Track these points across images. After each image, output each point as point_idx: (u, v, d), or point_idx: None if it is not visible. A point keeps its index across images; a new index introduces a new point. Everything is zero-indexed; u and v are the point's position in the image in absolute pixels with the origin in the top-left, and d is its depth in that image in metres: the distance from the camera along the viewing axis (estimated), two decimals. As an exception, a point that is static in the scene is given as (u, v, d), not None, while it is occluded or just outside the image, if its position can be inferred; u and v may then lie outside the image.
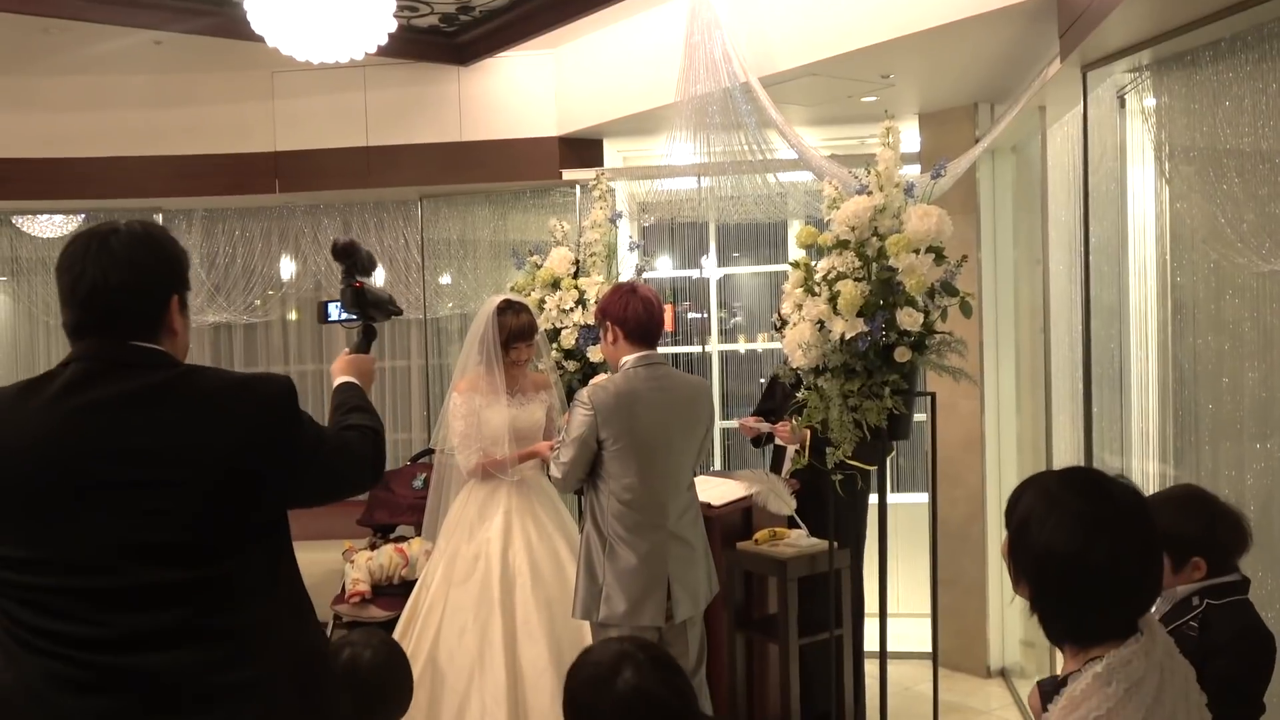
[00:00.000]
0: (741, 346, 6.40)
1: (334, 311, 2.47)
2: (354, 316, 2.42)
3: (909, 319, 3.32)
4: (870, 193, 3.45)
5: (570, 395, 4.08)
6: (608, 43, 5.44)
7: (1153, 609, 1.62)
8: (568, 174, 5.84)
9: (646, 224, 6.02)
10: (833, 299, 3.37)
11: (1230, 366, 3.28)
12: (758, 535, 3.97)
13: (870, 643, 4.27)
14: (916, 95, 5.00)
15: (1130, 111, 3.75)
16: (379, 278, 6.46)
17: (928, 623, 3.98)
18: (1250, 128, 3.09)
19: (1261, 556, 3.03)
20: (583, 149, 5.86)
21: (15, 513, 1.69)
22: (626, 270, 4.95)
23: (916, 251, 3.33)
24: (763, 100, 4.43)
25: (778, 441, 4.43)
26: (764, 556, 3.87)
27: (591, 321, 4.52)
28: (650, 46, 5.11)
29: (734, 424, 5.10)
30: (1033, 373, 5.05)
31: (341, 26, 3.91)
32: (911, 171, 4.38)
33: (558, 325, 4.73)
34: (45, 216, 6.46)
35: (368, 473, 2.02)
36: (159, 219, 6.41)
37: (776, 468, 4.47)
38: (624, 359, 3.39)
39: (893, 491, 5.60)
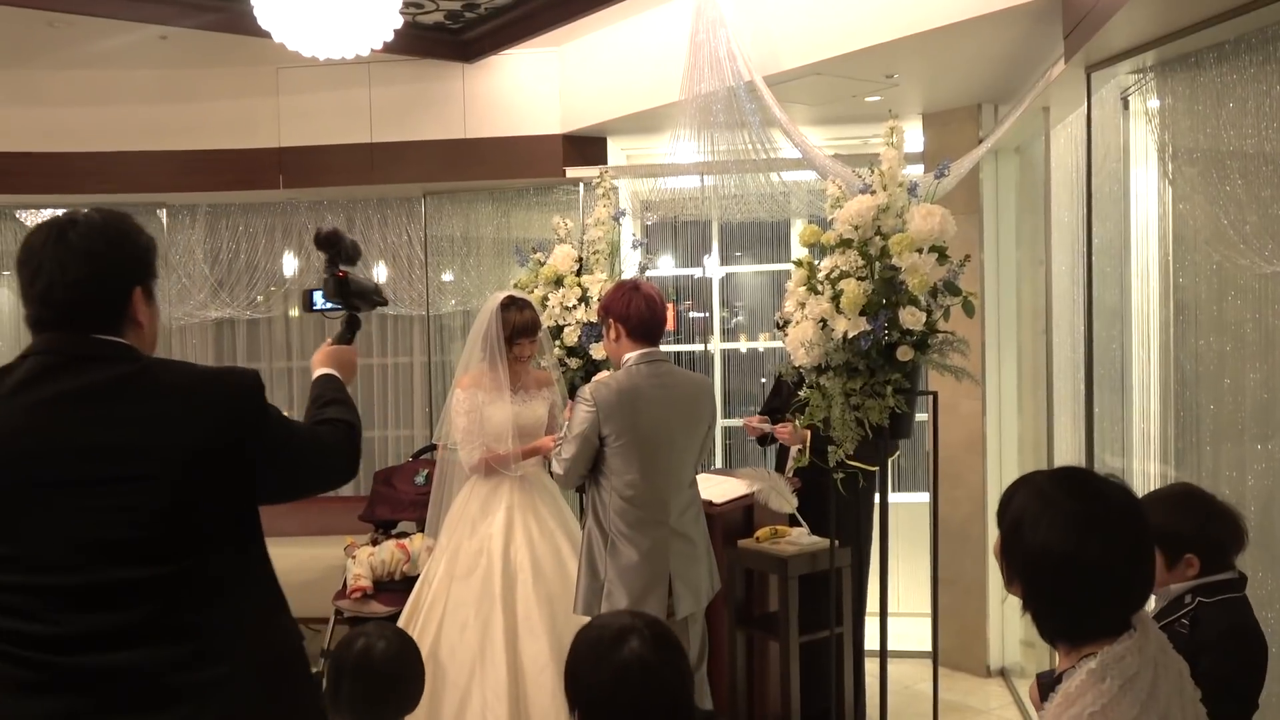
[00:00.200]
0: (743, 345, 6.40)
1: (318, 300, 2.42)
2: (337, 306, 2.36)
3: (911, 318, 3.32)
4: (874, 192, 3.45)
5: (573, 392, 4.09)
6: (612, 41, 5.45)
7: (1145, 606, 1.63)
8: (571, 171, 5.85)
9: (649, 222, 6.02)
10: (835, 298, 3.38)
11: (1232, 368, 3.28)
12: (759, 533, 3.98)
13: (870, 641, 4.28)
14: (920, 95, 5.01)
15: (1134, 113, 3.76)
16: (381, 274, 6.48)
17: (928, 622, 3.99)
18: (1253, 130, 3.09)
19: (1262, 557, 3.04)
20: (586, 147, 5.86)
21: None
22: (629, 268, 4.96)
23: (919, 251, 3.34)
24: (767, 99, 4.43)
25: (781, 443, 4.44)
26: (765, 554, 3.87)
27: (594, 319, 4.53)
28: (655, 45, 5.12)
29: (736, 422, 5.12)
30: (1034, 373, 5.06)
31: (347, 23, 3.92)
32: (915, 171, 4.38)
33: (560, 322, 4.74)
34: (49, 211, 6.45)
35: (340, 467, 1.97)
36: (163, 214, 6.44)
37: (781, 467, 4.48)
38: (626, 356, 3.40)
39: (894, 491, 5.60)
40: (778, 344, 5.41)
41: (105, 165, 5.95)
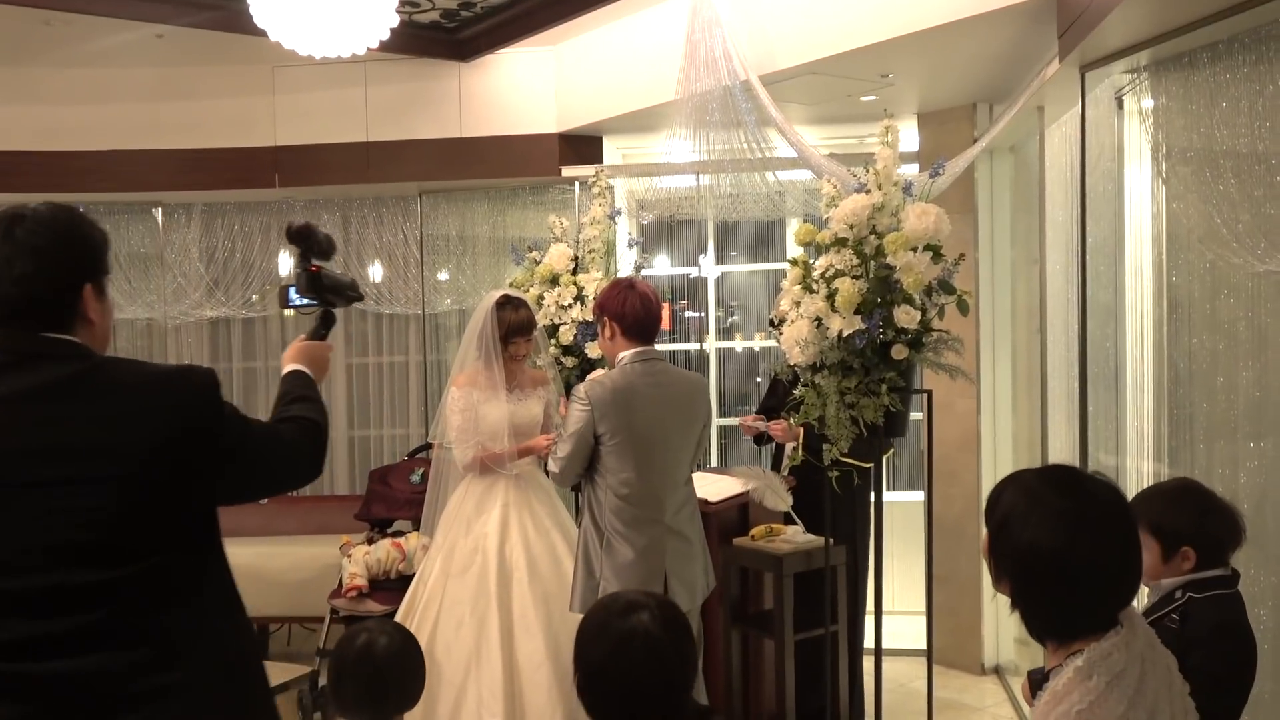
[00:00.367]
0: (739, 344, 6.41)
1: (293, 297, 2.37)
2: (311, 301, 2.30)
3: (906, 317, 3.33)
4: (869, 191, 3.46)
5: (569, 391, 4.09)
6: (608, 40, 5.45)
7: (1133, 602, 1.63)
8: (567, 170, 5.85)
9: (645, 221, 6.03)
10: (830, 296, 3.39)
11: (1225, 366, 3.30)
12: (754, 531, 3.98)
13: (865, 639, 4.29)
14: (916, 95, 5.02)
15: (1128, 112, 3.77)
16: (377, 272, 6.48)
17: (923, 620, 4.00)
18: (1247, 129, 3.10)
19: (1255, 554, 3.05)
20: (582, 146, 5.87)
21: None
22: (625, 267, 4.97)
23: (914, 250, 3.34)
24: (762, 98, 4.44)
25: (775, 440, 4.45)
26: (760, 552, 3.88)
27: (590, 318, 4.53)
28: (651, 44, 5.13)
29: (732, 421, 5.12)
30: (1029, 371, 5.07)
31: (343, 22, 3.92)
32: (910, 170, 4.40)
33: (556, 321, 4.74)
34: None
35: (303, 466, 1.91)
36: (159, 213, 6.43)
37: (776, 465, 4.48)
38: (621, 355, 3.40)
39: (889, 489, 5.62)
40: (773, 343, 5.42)
41: (101, 164, 5.95)
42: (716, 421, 6.10)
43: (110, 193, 6.08)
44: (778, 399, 4.43)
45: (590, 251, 4.88)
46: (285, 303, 2.40)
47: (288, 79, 5.96)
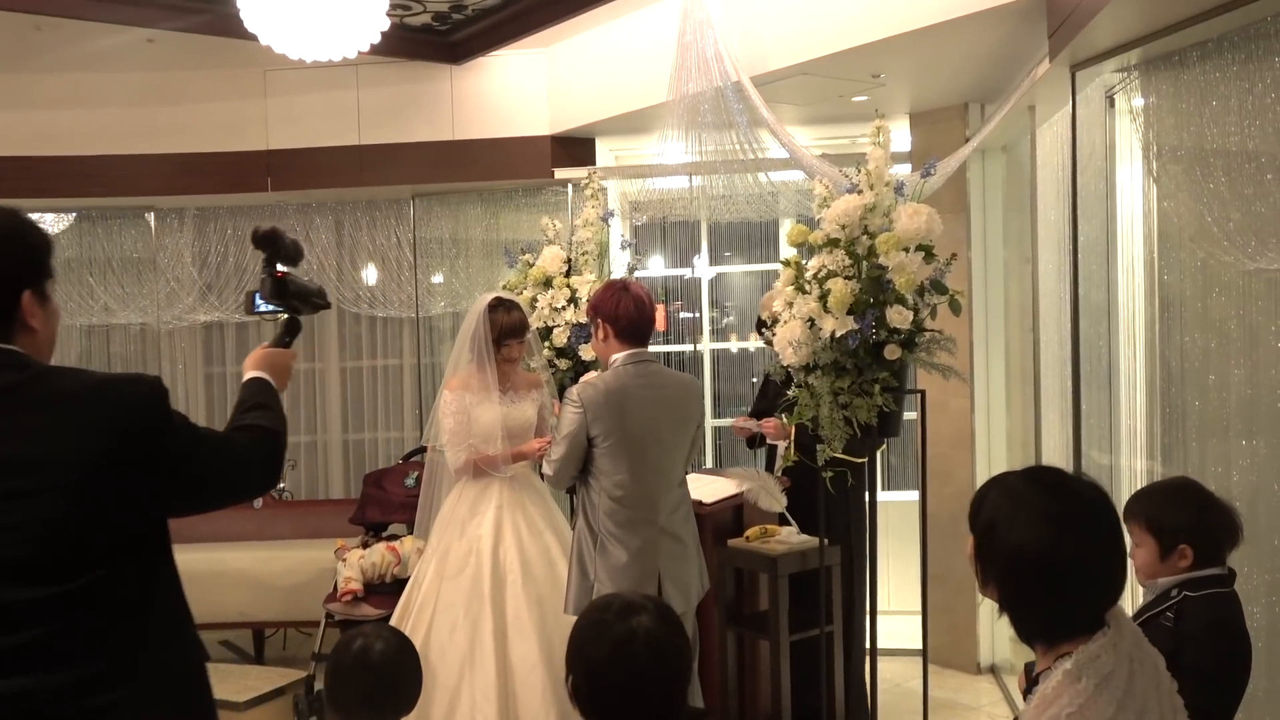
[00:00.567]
0: (733, 345, 6.41)
1: (259, 303, 2.32)
2: (276, 308, 2.22)
3: (899, 317, 3.33)
4: (860, 191, 3.46)
5: (562, 394, 4.09)
6: (600, 42, 5.45)
7: (1119, 602, 1.64)
8: (560, 173, 5.85)
9: (638, 223, 6.04)
10: (823, 297, 3.39)
11: (1217, 364, 3.30)
12: (749, 532, 3.99)
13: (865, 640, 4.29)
14: (907, 95, 5.03)
15: (1119, 111, 3.78)
16: (370, 276, 6.47)
17: (918, 619, 4.00)
18: (1237, 127, 3.11)
19: (1249, 552, 3.05)
20: (575, 148, 5.87)
21: None
22: (618, 269, 4.97)
23: (906, 250, 3.34)
24: (754, 99, 4.44)
25: (768, 440, 4.45)
26: (755, 553, 3.88)
27: (583, 320, 4.53)
28: (642, 46, 5.13)
29: (726, 423, 5.12)
30: (1022, 370, 5.08)
31: (334, 25, 3.92)
32: (902, 170, 4.40)
33: (550, 324, 4.74)
34: (37, 215, 6.44)
35: (256, 475, 1.86)
36: (151, 217, 6.42)
37: (770, 466, 4.48)
38: (614, 356, 3.40)
39: (883, 489, 5.62)
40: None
41: (93, 168, 5.94)
42: (711, 423, 6.10)
43: (102, 197, 6.07)
44: (769, 400, 4.44)
45: (584, 253, 4.88)
46: (251, 308, 2.37)
47: (279, 82, 5.96)
